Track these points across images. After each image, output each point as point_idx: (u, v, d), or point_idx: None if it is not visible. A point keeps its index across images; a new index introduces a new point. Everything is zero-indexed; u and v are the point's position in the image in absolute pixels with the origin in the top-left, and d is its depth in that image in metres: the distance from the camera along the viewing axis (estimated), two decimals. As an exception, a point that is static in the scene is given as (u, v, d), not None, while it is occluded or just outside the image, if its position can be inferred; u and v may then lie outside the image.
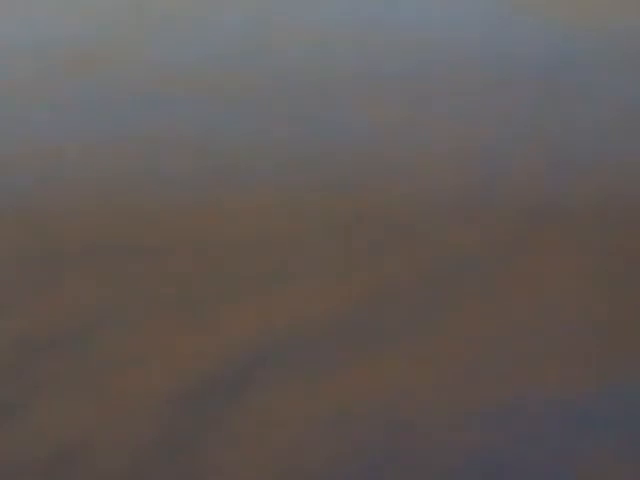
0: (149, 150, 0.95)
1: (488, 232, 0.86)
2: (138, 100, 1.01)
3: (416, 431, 0.71)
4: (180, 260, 0.84)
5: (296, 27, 1.13)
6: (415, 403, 0.73)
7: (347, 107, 1.00)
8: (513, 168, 0.93)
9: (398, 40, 1.11)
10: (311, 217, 0.88)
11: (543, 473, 0.69)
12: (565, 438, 0.71)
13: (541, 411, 0.72)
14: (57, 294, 0.80)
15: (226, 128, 0.98)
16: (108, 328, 0.78)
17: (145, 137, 0.96)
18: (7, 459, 0.70)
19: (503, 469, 0.69)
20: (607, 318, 0.79)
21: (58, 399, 0.73)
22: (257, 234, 0.86)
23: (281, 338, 0.77)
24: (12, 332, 0.78)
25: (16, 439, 0.71)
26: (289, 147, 0.96)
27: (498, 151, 0.95)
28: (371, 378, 0.74)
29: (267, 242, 0.85)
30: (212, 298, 0.80)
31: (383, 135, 0.97)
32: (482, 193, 0.90)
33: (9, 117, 0.99)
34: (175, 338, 0.77)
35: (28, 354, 0.76)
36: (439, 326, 0.78)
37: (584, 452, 0.70)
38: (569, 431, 0.71)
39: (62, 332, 0.77)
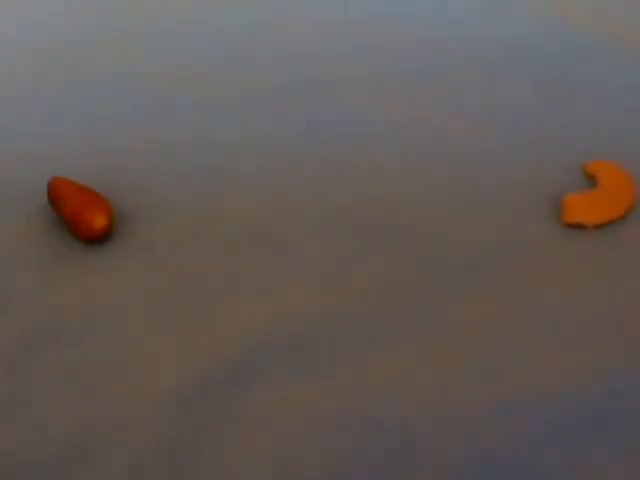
0: (149, 149, 0.95)
1: (488, 232, 0.86)
2: (138, 99, 1.01)
3: (416, 431, 0.71)
4: (180, 260, 0.84)
5: (296, 27, 1.13)
6: (415, 403, 0.73)
7: (347, 107, 1.00)
8: (513, 167, 0.93)
9: (398, 39, 1.11)
10: (311, 217, 0.88)
11: (543, 473, 0.69)
12: (565, 438, 0.71)
13: (541, 411, 0.72)
14: (56, 293, 0.80)
15: (226, 127, 0.98)
16: (108, 328, 0.78)
17: (145, 136, 0.96)
18: (7, 459, 0.70)
19: (503, 469, 0.69)
20: (608, 317, 0.79)
21: (58, 399, 0.73)
22: (257, 234, 0.86)
23: (281, 338, 0.77)
24: (12, 331, 0.78)
25: (16, 439, 0.71)
26: (289, 147, 0.96)
27: (498, 150, 0.95)
28: (371, 378, 0.74)
29: (267, 242, 0.85)
30: (212, 298, 0.80)
31: (383, 135, 0.97)
32: (482, 193, 0.90)
33: (10, 115, 0.99)
34: (175, 338, 0.77)
35: (28, 353, 0.76)
36: (439, 326, 0.78)
37: (584, 452, 0.70)
38: (569, 431, 0.71)
39: (62, 332, 0.78)
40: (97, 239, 0.84)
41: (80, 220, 0.83)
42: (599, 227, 0.87)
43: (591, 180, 0.92)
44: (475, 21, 1.17)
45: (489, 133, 0.99)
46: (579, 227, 0.87)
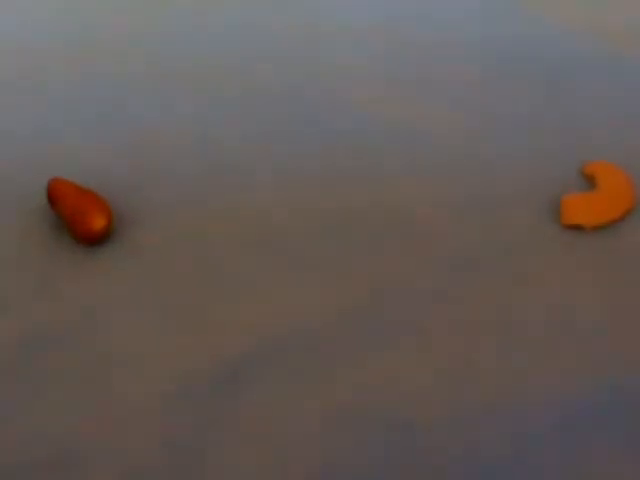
0: (149, 149, 0.95)
1: (488, 232, 0.86)
2: (138, 98, 1.01)
3: (416, 431, 0.71)
4: (180, 260, 0.84)
5: (296, 27, 1.13)
6: (415, 403, 0.73)
7: (347, 107, 1.00)
8: (513, 167, 0.93)
9: (398, 39, 1.11)
10: (311, 216, 0.88)
11: (543, 473, 0.69)
12: (565, 438, 0.71)
13: (541, 411, 0.72)
14: (56, 294, 0.80)
15: (226, 127, 0.98)
16: (108, 328, 0.78)
17: (145, 136, 0.96)
18: (7, 459, 0.70)
19: (502, 469, 0.69)
20: (608, 318, 0.79)
21: (58, 399, 0.73)
22: (257, 234, 0.86)
23: (281, 338, 0.77)
24: (12, 332, 0.78)
25: (16, 439, 0.71)
26: (289, 147, 0.96)
27: (498, 150, 0.95)
28: (371, 378, 0.74)
29: (267, 242, 0.85)
30: (212, 298, 0.80)
31: (383, 135, 0.97)
32: (482, 193, 0.90)
33: (10, 115, 0.99)
34: (174, 338, 0.77)
35: (28, 353, 0.76)
36: (439, 326, 0.78)
37: (584, 452, 0.70)
38: (569, 431, 0.71)
39: (62, 332, 0.78)
40: (96, 240, 0.84)
41: (79, 221, 0.83)
42: (598, 228, 0.87)
43: (590, 181, 0.92)
44: (475, 21, 1.17)
45: (489, 133, 0.99)
46: (578, 228, 0.87)
